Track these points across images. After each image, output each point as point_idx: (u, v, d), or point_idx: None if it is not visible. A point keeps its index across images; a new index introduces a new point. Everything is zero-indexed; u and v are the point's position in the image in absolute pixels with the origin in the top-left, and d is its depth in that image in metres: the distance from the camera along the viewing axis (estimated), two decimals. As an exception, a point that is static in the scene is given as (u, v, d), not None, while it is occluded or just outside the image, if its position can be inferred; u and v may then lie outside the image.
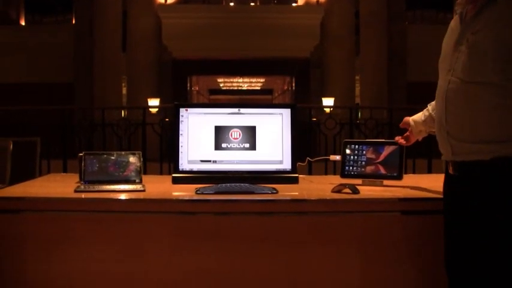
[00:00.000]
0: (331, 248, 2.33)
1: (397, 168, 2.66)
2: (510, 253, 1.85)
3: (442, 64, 2.10)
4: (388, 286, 2.35)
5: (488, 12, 1.91)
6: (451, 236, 2.06)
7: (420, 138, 2.67)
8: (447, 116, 2.01)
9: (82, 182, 2.62)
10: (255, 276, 2.33)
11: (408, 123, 2.64)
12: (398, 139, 2.69)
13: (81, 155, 2.67)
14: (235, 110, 2.78)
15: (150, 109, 11.86)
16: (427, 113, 2.52)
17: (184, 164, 2.73)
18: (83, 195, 2.40)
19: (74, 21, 16.35)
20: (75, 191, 2.44)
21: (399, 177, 2.65)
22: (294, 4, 16.85)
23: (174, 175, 2.74)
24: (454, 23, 2.11)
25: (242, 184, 2.55)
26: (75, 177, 2.78)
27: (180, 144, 2.74)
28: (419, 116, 2.59)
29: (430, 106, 2.50)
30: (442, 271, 2.09)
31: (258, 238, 2.32)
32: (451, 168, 2.05)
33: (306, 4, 16.64)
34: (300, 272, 2.33)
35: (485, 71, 1.88)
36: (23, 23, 17.83)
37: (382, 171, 2.68)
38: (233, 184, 2.55)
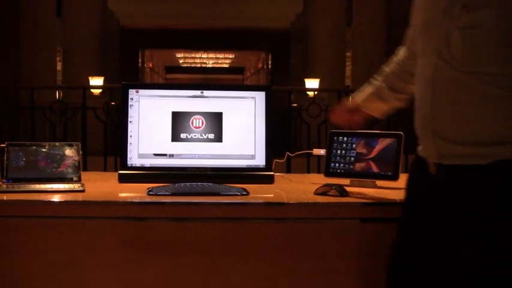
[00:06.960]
0: (314, 261, 2.35)
1: (392, 166, 2.65)
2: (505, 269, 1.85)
3: (426, 36, 2.01)
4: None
5: None
6: (416, 243, 2.06)
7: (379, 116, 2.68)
8: (435, 111, 1.93)
9: (4, 181, 2.60)
10: (219, 297, 2.35)
11: (355, 107, 2.65)
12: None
13: (3, 146, 2.65)
14: (198, 92, 2.79)
15: (92, 90, 11.79)
16: (377, 83, 2.53)
17: (133, 159, 2.73)
18: (5, 197, 2.38)
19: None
20: (-4, 191, 2.43)
21: (395, 177, 2.64)
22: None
23: (120, 172, 2.74)
24: None
25: (205, 184, 2.56)
26: (-4, 174, 2.76)
27: (129, 134, 2.74)
28: (366, 94, 2.59)
29: (379, 77, 2.52)
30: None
31: (223, 249, 2.33)
32: (433, 167, 2.00)
33: (287, -37, 16.65)
34: (274, 291, 2.35)
35: (486, 58, 1.82)
36: None
37: (375, 169, 2.69)
38: (194, 184, 2.56)
